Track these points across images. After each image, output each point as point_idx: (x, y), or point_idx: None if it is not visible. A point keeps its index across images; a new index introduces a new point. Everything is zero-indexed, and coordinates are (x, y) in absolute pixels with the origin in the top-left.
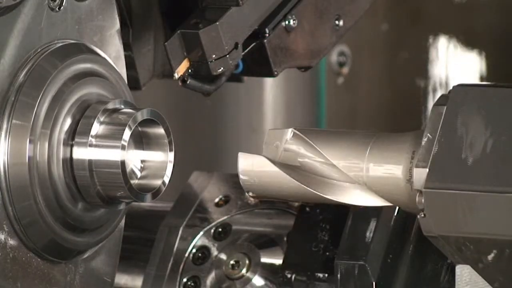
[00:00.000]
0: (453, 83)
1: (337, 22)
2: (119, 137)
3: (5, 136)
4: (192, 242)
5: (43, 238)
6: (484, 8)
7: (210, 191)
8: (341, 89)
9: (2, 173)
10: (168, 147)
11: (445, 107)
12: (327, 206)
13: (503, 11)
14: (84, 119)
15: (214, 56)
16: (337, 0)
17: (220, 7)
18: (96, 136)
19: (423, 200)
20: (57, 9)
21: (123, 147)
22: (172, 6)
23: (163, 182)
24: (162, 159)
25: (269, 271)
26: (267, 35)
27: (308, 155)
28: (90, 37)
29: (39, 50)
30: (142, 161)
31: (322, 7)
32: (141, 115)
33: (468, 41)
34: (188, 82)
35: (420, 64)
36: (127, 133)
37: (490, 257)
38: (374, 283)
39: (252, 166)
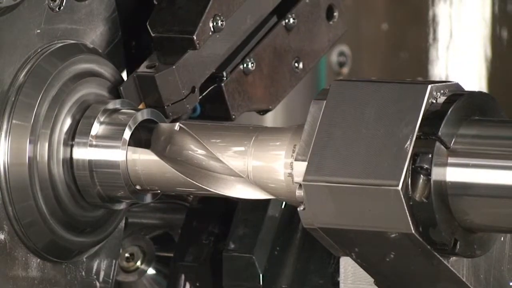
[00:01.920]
0: None
1: (296, 64)
2: (119, 137)
3: (5, 136)
4: None
5: (43, 238)
6: (486, 7)
7: None
8: None
9: (2, 173)
10: None
11: (325, 102)
12: (217, 199)
13: (504, 10)
14: (84, 119)
15: (170, 100)
16: (295, 43)
17: (176, 51)
18: (96, 136)
19: (302, 193)
20: (57, 9)
21: (123, 147)
22: (127, 46)
23: None
24: None
25: (162, 264)
26: (224, 78)
27: (193, 148)
28: (90, 37)
29: (39, 50)
30: None
31: (281, 50)
32: (141, 115)
33: (468, 41)
34: None
35: (420, 64)
36: (127, 133)
37: (369, 249)
38: (261, 274)
39: (138, 159)
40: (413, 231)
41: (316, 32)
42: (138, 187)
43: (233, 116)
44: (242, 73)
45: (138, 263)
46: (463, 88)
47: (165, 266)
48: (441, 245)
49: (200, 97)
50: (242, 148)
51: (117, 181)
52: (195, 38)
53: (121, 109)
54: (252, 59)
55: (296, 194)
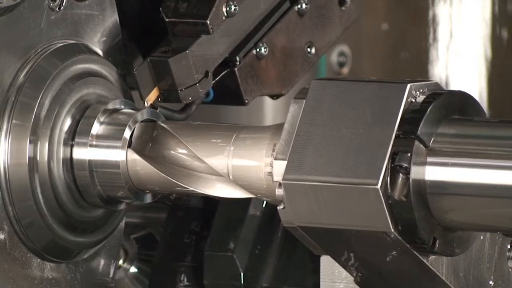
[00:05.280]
0: (453, 83)
1: (308, 49)
2: (119, 137)
3: (5, 136)
4: None
5: (43, 238)
6: (486, 7)
7: None
8: None
9: (2, 173)
10: None
11: (304, 101)
12: (199, 199)
13: (504, 10)
14: (84, 119)
15: (184, 84)
16: (308, 28)
17: (190, 35)
18: (96, 136)
19: (282, 192)
20: (57, 9)
21: (123, 147)
22: (142, 32)
23: None
24: None
25: (145, 262)
26: (238, 63)
27: (174, 147)
28: (90, 37)
29: (39, 50)
30: None
31: (294, 35)
32: (141, 116)
33: (468, 41)
34: (157, 111)
35: (420, 64)
36: (127, 133)
37: (348, 248)
38: (242, 273)
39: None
40: (392, 230)
41: (328, 17)
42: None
43: (246, 101)
44: (255, 58)
45: (121, 261)
46: (442, 87)
47: (147, 264)
48: (420, 243)
49: (214, 81)
50: (222, 147)
51: (117, 181)
52: (208, 22)
53: (121, 109)
54: (265, 44)
55: (276, 193)
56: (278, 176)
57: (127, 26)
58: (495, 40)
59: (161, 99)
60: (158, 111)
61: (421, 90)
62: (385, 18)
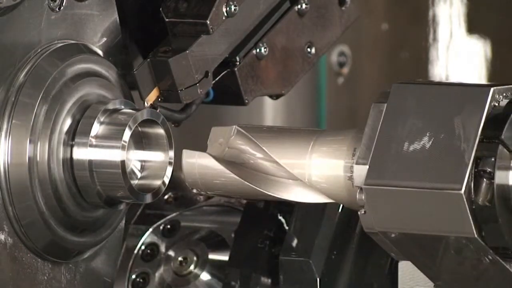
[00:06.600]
0: None
1: (308, 49)
2: (119, 137)
3: (5, 136)
4: (141, 239)
5: (43, 238)
6: (486, 7)
7: None
8: (341, 89)
9: (2, 173)
10: (168, 147)
11: (385, 105)
12: (272, 203)
13: (504, 10)
14: (84, 119)
15: (184, 84)
16: (308, 28)
17: (190, 35)
18: (96, 137)
19: (363, 197)
20: (57, 9)
21: (123, 147)
22: (142, 32)
23: (163, 182)
24: (162, 159)
25: (216, 268)
26: (237, 63)
27: (251, 152)
28: (90, 37)
29: (39, 50)
30: (142, 161)
31: (293, 35)
32: (141, 116)
33: (468, 41)
34: (157, 111)
35: (420, 64)
36: (127, 133)
37: (430, 254)
38: (318, 279)
39: (195, 162)
40: (475, 236)
41: (328, 17)
42: (195, 190)
43: (246, 101)
44: (255, 58)
45: (192, 267)
46: None
47: (219, 270)
48: (504, 249)
49: (214, 81)
50: (300, 151)
51: (117, 181)
52: (208, 22)
53: (121, 109)
54: (265, 44)
55: (357, 198)
56: (359, 181)
57: (127, 26)
58: (495, 40)
59: (161, 99)
60: (158, 111)
61: (504, 94)
62: (385, 18)
